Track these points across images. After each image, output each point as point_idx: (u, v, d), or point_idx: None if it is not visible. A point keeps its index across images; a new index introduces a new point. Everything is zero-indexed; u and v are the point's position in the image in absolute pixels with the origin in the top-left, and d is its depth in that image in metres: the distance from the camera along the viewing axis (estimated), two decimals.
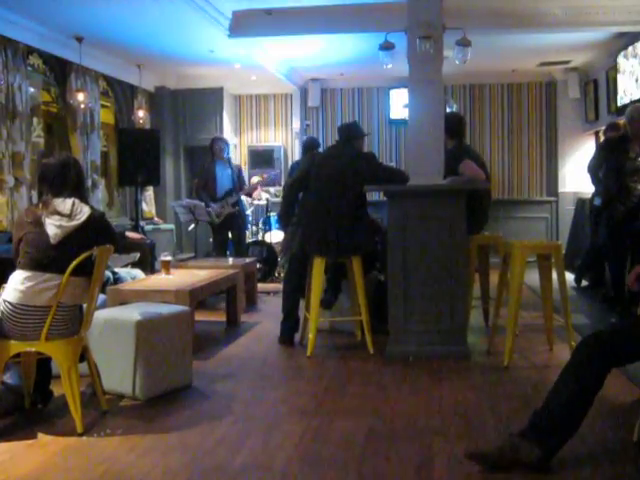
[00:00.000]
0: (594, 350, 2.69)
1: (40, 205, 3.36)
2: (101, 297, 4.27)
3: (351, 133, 4.99)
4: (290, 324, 5.04)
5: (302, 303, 5.15)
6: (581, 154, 9.77)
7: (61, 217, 3.30)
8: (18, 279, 3.26)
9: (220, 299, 5.98)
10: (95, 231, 3.40)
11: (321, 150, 7.55)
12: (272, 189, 9.08)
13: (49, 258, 3.26)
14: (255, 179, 8.97)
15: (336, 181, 4.76)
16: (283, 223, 5.31)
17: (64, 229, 3.29)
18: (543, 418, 2.69)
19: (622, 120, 6.85)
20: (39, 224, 3.30)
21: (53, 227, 3.28)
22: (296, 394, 3.95)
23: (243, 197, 8.03)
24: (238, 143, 10.76)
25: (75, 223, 3.31)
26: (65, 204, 3.33)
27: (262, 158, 10.50)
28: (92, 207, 3.45)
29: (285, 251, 6.27)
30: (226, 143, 7.84)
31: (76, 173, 3.46)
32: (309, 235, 4.82)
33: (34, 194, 6.56)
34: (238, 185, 7.65)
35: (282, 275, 7.19)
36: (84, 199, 3.45)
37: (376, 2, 6.61)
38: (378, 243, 5.18)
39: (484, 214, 5.34)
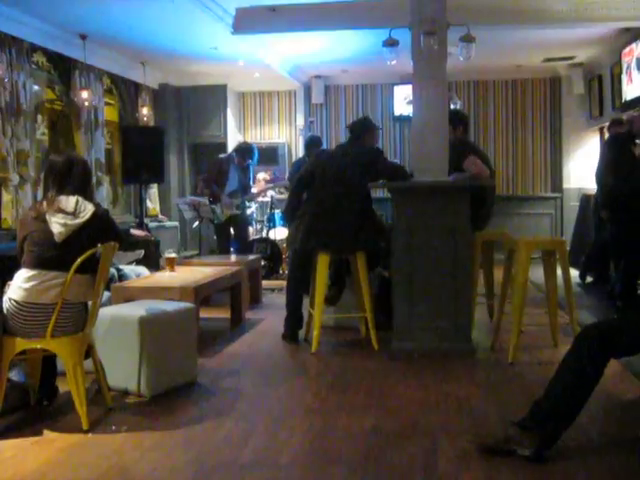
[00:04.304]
0: (593, 340, 2.74)
1: (44, 203, 3.37)
2: (106, 294, 4.28)
3: (363, 128, 5.01)
4: (294, 321, 5.04)
5: (306, 300, 5.16)
6: (585, 150, 9.76)
7: (65, 215, 3.30)
8: (23, 277, 3.27)
9: (224, 296, 5.99)
10: (99, 228, 3.40)
11: (324, 147, 7.54)
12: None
13: (54, 256, 3.27)
14: (261, 175, 8.97)
15: (341, 178, 4.76)
16: (288, 220, 5.31)
17: (68, 227, 3.29)
18: (542, 404, 2.78)
19: (626, 116, 6.84)
20: (43, 221, 3.30)
21: (58, 225, 3.28)
22: (301, 391, 3.96)
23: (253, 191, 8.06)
24: (242, 140, 10.75)
25: (79, 221, 3.31)
26: (69, 202, 3.34)
27: (266, 155, 10.47)
28: (96, 204, 3.45)
29: (290, 246, 6.27)
30: (252, 154, 7.65)
31: (81, 172, 3.46)
32: (314, 231, 4.81)
33: (39, 192, 6.58)
34: (244, 189, 7.66)
35: (286, 272, 7.19)
36: (89, 198, 3.46)
37: None
38: (382, 239, 5.17)
39: (488, 210, 5.33)
